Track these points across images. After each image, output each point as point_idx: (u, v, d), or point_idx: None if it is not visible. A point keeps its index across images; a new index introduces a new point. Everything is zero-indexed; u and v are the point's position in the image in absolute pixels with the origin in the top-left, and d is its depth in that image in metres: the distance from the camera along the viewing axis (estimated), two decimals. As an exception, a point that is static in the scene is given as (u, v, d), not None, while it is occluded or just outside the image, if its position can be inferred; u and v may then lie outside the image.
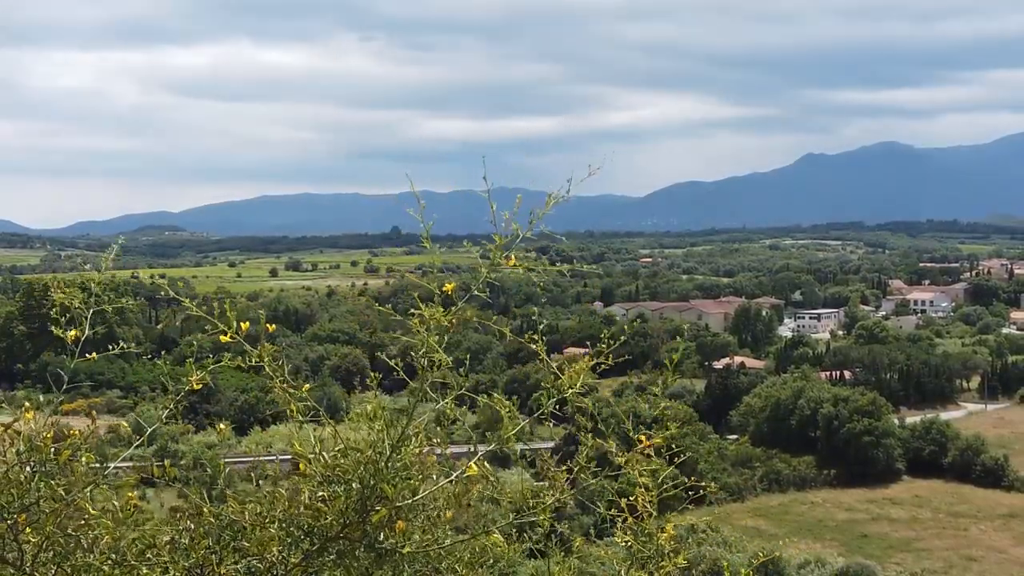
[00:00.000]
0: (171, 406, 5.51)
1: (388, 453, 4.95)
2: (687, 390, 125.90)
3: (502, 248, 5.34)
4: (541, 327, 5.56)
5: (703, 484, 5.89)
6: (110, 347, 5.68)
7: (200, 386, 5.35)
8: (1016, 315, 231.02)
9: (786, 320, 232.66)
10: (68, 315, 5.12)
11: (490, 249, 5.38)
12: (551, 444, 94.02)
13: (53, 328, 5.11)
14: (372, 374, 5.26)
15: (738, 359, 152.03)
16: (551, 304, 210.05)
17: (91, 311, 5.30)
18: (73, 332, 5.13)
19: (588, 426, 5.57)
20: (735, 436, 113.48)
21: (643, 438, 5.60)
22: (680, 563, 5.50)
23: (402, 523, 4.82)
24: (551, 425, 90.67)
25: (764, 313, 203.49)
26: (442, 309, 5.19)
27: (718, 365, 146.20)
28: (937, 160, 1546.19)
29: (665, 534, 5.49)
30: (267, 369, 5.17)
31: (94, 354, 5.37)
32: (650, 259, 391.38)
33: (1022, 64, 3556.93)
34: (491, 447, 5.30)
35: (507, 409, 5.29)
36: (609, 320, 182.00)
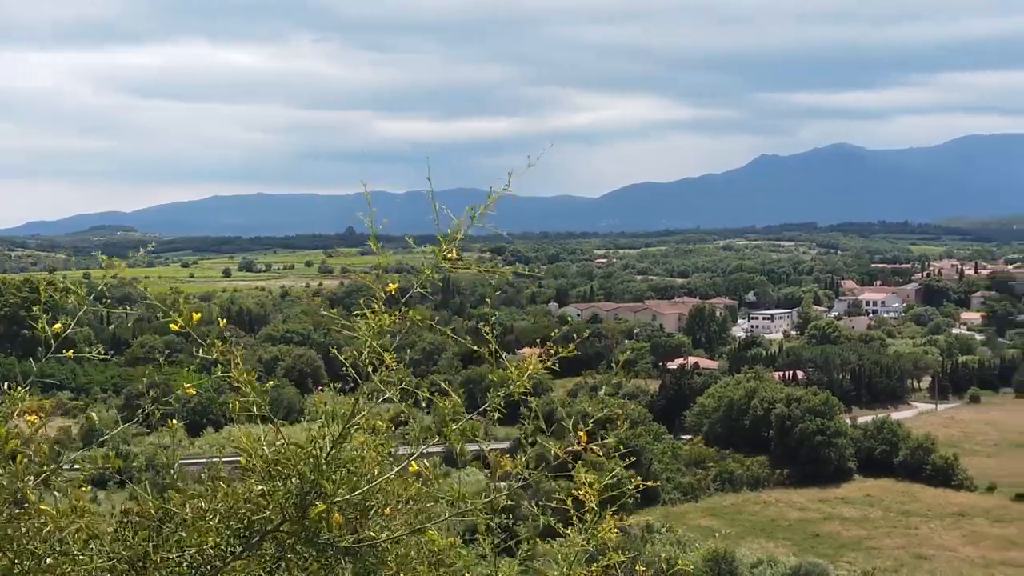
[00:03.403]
0: (137, 409, 5.56)
1: (328, 449, 4.98)
2: (641, 390, 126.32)
3: (447, 247, 5.38)
4: (492, 319, 5.61)
5: (648, 482, 5.93)
6: (69, 349, 5.67)
7: (194, 392, 5.42)
8: (966, 316, 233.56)
9: (740, 320, 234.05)
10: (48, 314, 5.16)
11: (437, 250, 5.42)
12: (506, 444, 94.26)
13: (36, 326, 5.14)
14: (324, 376, 5.30)
15: (692, 359, 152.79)
16: (506, 305, 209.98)
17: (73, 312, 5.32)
18: (57, 325, 5.18)
19: (541, 427, 5.61)
20: (689, 436, 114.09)
21: (583, 435, 5.64)
22: (621, 558, 5.56)
23: (338, 516, 4.86)
24: (497, 424, 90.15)
25: (718, 314, 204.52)
26: (385, 311, 5.24)
27: (672, 366, 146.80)
28: (889, 162, 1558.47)
29: (609, 530, 5.55)
30: (234, 366, 5.19)
31: (71, 352, 5.39)
32: (605, 260, 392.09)
33: (971, 67, 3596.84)
34: (429, 444, 5.34)
35: (452, 406, 5.33)
36: (564, 321, 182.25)
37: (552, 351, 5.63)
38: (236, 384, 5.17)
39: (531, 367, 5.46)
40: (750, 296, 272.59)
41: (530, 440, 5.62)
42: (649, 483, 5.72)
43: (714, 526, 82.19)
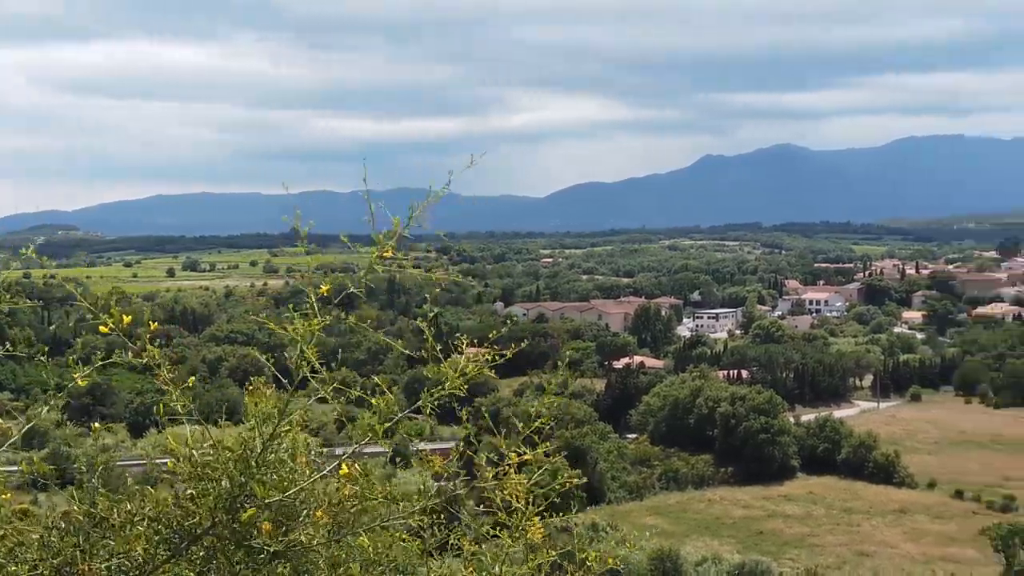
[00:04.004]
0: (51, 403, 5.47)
1: (259, 451, 4.93)
2: (587, 390, 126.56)
3: (382, 246, 5.35)
4: (431, 315, 5.60)
5: (579, 480, 5.94)
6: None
7: (86, 384, 5.30)
8: (908, 315, 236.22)
9: (685, 320, 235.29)
10: None
11: (373, 250, 5.39)
12: (451, 444, 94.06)
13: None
14: (255, 378, 5.23)
15: (638, 359, 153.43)
16: (452, 304, 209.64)
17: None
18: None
19: (489, 426, 5.60)
20: (634, 435, 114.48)
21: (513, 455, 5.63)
22: (551, 557, 5.56)
23: (268, 524, 4.81)
24: (440, 423, 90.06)
25: (663, 313, 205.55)
26: (320, 311, 5.21)
27: (618, 365, 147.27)
28: (831, 162, 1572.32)
29: (536, 530, 5.54)
30: (160, 368, 5.14)
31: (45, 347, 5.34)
32: (551, 259, 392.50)
33: (909, 69, 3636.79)
34: (364, 444, 5.31)
35: (385, 404, 5.31)
36: (510, 320, 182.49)
37: (492, 350, 5.61)
38: (163, 386, 5.12)
39: (467, 366, 5.44)
40: (695, 296, 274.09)
41: (474, 440, 5.61)
42: (576, 480, 5.70)
43: (659, 524, 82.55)
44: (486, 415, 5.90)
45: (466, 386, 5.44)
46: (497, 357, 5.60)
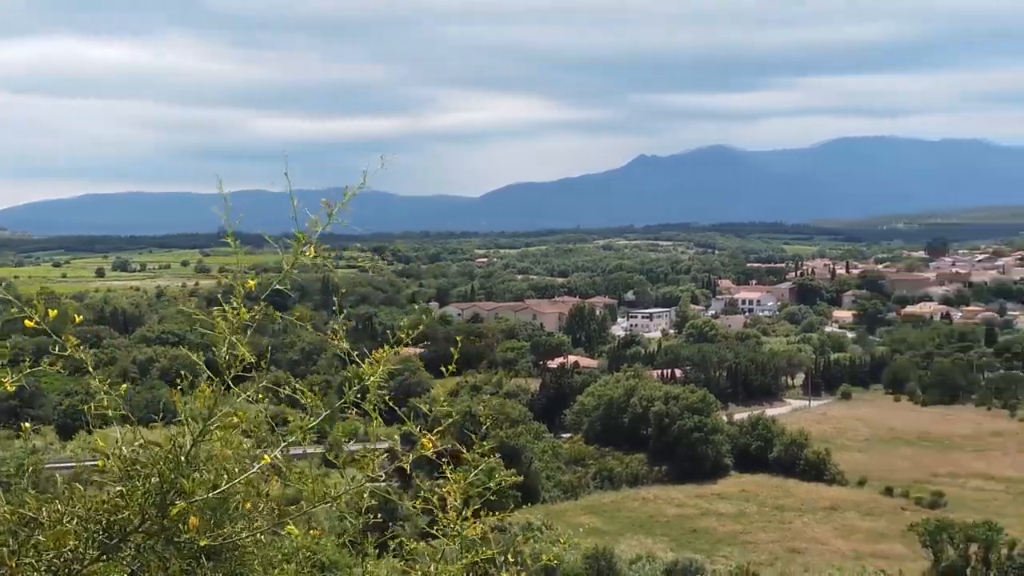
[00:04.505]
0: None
1: (188, 447, 4.91)
2: (522, 389, 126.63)
3: (303, 245, 5.35)
4: (342, 316, 5.59)
5: (513, 478, 5.97)
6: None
7: (14, 388, 5.23)
8: (838, 314, 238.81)
9: (619, 319, 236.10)
10: None
11: (295, 247, 5.39)
12: (387, 444, 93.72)
13: None
14: (182, 377, 5.19)
15: (572, 358, 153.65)
16: (386, 304, 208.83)
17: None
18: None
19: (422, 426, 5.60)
20: (569, 435, 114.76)
21: (427, 442, 5.63)
22: (486, 555, 5.58)
23: (195, 519, 4.79)
24: (362, 421, 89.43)
25: (598, 313, 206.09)
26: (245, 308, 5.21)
27: (552, 364, 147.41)
28: (763, 163, 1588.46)
29: (473, 528, 5.56)
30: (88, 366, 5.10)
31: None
32: (486, 259, 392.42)
33: (839, 71, 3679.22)
34: (291, 444, 5.30)
35: (308, 401, 5.30)
36: (445, 320, 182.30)
37: (408, 342, 5.61)
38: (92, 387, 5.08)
39: (383, 362, 5.43)
40: (629, 295, 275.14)
41: (410, 439, 5.61)
42: (511, 479, 5.73)
43: (594, 523, 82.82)
44: (425, 413, 5.88)
45: (388, 385, 5.45)
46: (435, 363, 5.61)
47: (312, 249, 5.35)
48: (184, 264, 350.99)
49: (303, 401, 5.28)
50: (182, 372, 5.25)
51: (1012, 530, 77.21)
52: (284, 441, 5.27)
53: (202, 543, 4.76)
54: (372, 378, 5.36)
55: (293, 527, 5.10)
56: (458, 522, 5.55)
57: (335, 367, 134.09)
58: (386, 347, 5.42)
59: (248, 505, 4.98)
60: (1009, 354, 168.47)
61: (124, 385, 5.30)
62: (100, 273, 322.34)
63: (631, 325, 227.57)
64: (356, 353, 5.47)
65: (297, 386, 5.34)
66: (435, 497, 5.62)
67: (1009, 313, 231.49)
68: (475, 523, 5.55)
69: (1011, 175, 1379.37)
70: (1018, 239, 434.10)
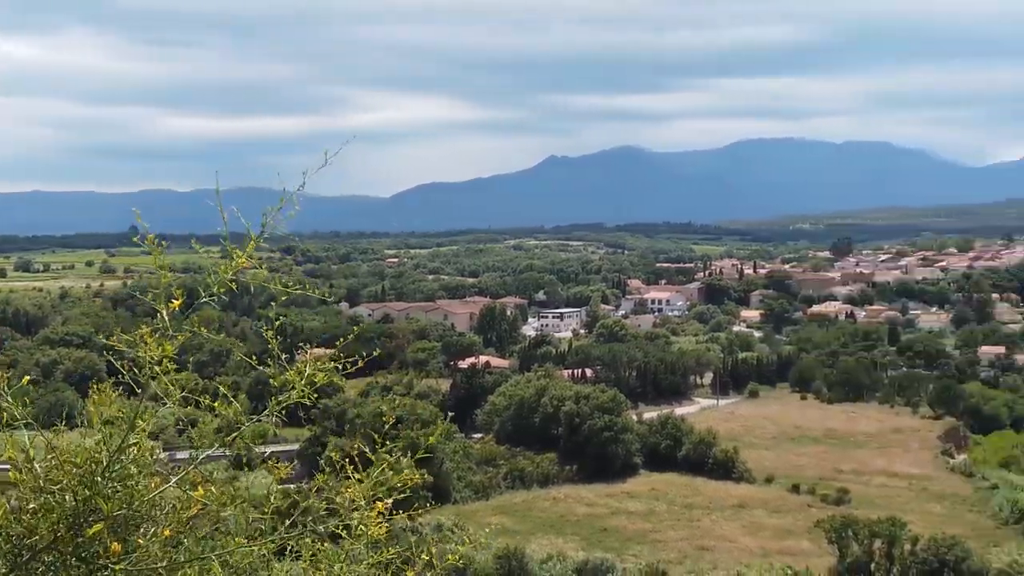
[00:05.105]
0: None
1: (105, 464, 4.79)
2: (433, 390, 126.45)
3: (240, 259, 5.27)
4: (272, 315, 5.55)
5: (421, 478, 5.97)
6: None
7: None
8: (746, 314, 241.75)
9: (530, 319, 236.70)
10: None
11: (233, 254, 5.31)
12: (296, 446, 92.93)
13: None
14: (94, 382, 5.10)
15: (483, 358, 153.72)
16: (296, 305, 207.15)
17: None
18: None
19: (329, 427, 5.59)
20: (480, 435, 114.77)
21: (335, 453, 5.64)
22: (392, 555, 5.58)
23: (117, 545, 4.67)
24: (284, 425, 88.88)
25: (508, 313, 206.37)
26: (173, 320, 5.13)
27: (463, 365, 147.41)
28: (672, 164, 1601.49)
29: (378, 528, 5.56)
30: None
31: None
32: (396, 259, 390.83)
33: (746, 73, 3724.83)
34: (211, 450, 5.24)
35: (234, 412, 5.24)
36: (355, 321, 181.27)
37: (339, 355, 5.60)
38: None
39: (314, 373, 5.40)
40: (540, 295, 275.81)
41: (320, 441, 5.60)
42: (418, 479, 5.73)
43: (505, 523, 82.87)
44: (332, 416, 5.87)
45: (314, 393, 5.41)
46: (348, 364, 5.59)
47: (245, 260, 5.26)
48: (89, 264, 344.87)
49: (221, 410, 5.21)
50: (89, 379, 5.17)
51: (915, 526, 78.80)
52: (198, 448, 5.20)
53: (119, 567, 4.65)
54: (298, 386, 5.32)
55: (202, 540, 5.03)
56: (363, 522, 5.53)
57: (244, 369, 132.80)
58: (308, 353, 5.38)
59: (168, 532, 4.89)
60: (911, 353, 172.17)
61: (25, 378, 5.16)
62: (1, 273, 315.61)
63: (542, 325, 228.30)
64: (284, 357, 5.43)
65: (222, 391, 5.27)
66: (340, 497, 5.61)
67: (911, 312, 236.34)
68: (381, 522, 5.55)
69: (914, 177, 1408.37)
70: (920, 240, 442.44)
